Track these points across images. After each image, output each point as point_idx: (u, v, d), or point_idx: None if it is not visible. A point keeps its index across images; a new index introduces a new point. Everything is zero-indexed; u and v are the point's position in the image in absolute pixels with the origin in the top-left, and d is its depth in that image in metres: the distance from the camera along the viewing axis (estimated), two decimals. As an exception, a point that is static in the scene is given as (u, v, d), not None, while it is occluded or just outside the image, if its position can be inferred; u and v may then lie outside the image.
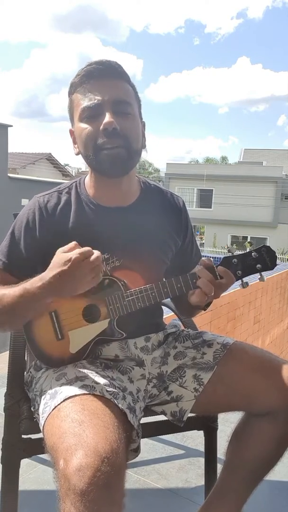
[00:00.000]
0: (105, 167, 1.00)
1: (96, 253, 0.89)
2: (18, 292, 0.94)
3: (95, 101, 0.98)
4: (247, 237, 24.19)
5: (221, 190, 23.87)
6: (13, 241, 1.05)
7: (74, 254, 0.88)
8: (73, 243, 0.91)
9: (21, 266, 1.05)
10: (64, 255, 0.89)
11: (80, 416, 0.79)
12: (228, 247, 1.06)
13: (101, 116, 0.98)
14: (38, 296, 0.92)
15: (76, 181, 1.12)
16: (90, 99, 0.98)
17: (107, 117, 0.97)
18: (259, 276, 1.00)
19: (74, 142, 1.07)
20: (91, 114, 0.98)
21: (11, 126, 12.42)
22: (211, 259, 1.00)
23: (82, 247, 1.02)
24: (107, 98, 0.98)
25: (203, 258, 1.03)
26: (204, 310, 1.11)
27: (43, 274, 0.92)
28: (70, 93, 1.04)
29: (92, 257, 0.88)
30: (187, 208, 1.22)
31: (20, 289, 0.94)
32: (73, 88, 1.02)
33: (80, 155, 1.06)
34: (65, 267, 0.87)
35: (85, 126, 1.00)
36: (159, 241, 1.12)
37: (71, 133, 1.08)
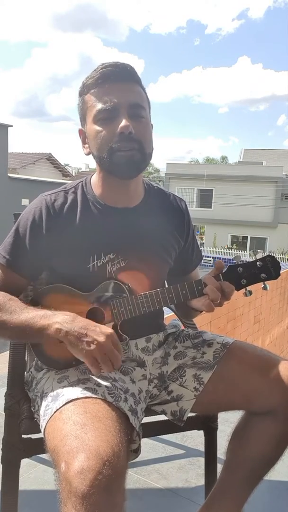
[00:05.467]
0: (120, 169, 1.00)
1: (119, 359, 0.88)
2: (38, 320, 0.92)
3: (112, 103, 0.98)
4: (247, 237, 24.20)
5: (221, 190, 23.87)
6: (18, 238, 1.05)
7: (112, 331, 0.88)
8: (120, 347, 0.90)
9: (24, 263, 1.04)
10: (102, 327, 0.89)
11: (82, 419, 0.79)
12: (232, 250, 1.07)
13: (116, 119, 0.98)
14: (51, 333, 0.90)
15: (82, 181, 1.12)
16: (106, 101, 0.98)
17: (124, 121, 0.97)
18: (263, 285, 1.02)
19: (84, 142, 1.07)
20: (107, 117, 0.98)
21: (11, 126, 12.45)
22: (222, 263, 1.01)
23: (88, 246, 1.02)
24: (123, 101, 0.98)
25: (217, 260, 1.04)
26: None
27: (73, 316, 0.91)
28: (83, 93, 1.03)
29: (114, 353, 0.87)
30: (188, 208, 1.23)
31: (44, 316, 0.93)
32: (87, 89, 1.02)
33: (91, 155, 1.05)
34: (86, 332, 0.87)
35: (99, 129, 0.99)
36: (164, 242, 1.12)
37: (81, 133, 1.08)
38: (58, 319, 0.90)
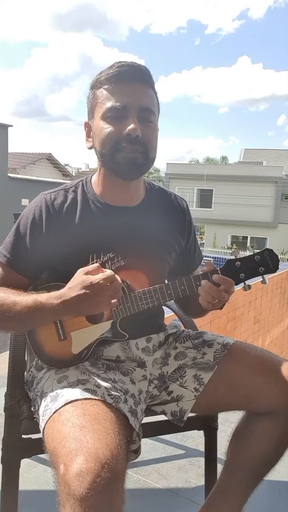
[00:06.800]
0: (122, 169, 1.01)
1: (117, 278, 0.91)
2: (32, 304, 0.93)
3: (123, 103, 0.98)
4: (247, 237, 24.19)
5: (221, 190, 23.86)
6: (18, 237, 1.05)
7: (97, 279, 0.89)
8: (96, 265, 0.92)
9: (25, 262, 1.04)
10: (87, 277, 0.90)
11: (81, 421, 0.79)
12: (232, 249, 1.07)
13: (125, 120, 0.98)
14: (53, 313, 0.92)
15: (82, 180, 1.12)
16: (118, 100, 0.98)
17: (132, 124, 0.97)
18: (261, 279, 1.01)
19: (88, 136, 1.07)
20: (116, 115, 0.98)
21: (11, 126, 12.45)
22: (213, 263, 1.00)
23: (87, 245, 1.02)
24: (135, 103, 0.98)
25: (208, 261, 1.03)
26: (220, 309, 1.06)
27: (62, 291, 0.92)
28: (95, 87, 1.03)
29: (114, 283, 0.90)
30: (188, 208, 1.22)
31: (34, 302, 0.94)
32: (100, 84, 1.01)
33: (93, 150, 1.06)
34: (88, 291, 0.88)
35: (107, 126, 0.99)
36: (164, 242, 1.12)
37: (86, 125, 1.08)
38: (56, 309, 0.92)
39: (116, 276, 0.91)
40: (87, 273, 0.91)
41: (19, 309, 0.94)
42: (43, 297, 0.94)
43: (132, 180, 1.04)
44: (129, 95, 0.98)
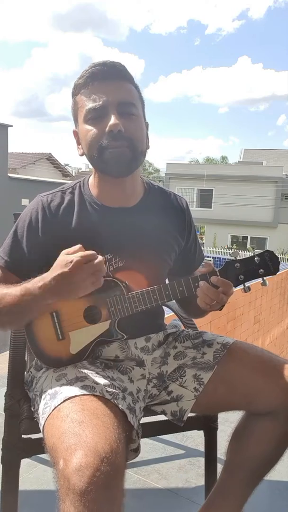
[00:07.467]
0: (110, 167, 1.00)
1: (99, 257, 0.89)
2: (19, 291, 0.94)
3: (100, 102, 0.98)
4: (247, 237, 24.19)
5: (221, 190, 23.86)
6: (16, 239, 1.05)
7: (76, 256, 0.88)
8: (78, 246, 0.91)
9: (23, 265, 1.05)
10: (66, 257, 0.89)
11: (80, 416, 0.79)
12: (231, 249, 1.05)
13: (106, 118, 0.98)
14: (38, 297, 0.92)
15: (80, 181, 1.12)
16: (95, 100, 0.98)
17: (113, 119, 0.97)
18: (261, 281, 1.00)
19: (78, 143, 1.07)
20: (96, 116, 0.98)
21: (11, 126, 12.46)
22: (212, 264, 1.00)
23: (85, 247, 1.02)
24: (112, 99, 0.98)
25: (207, 262, 1.03)
26: (220, 310, 1.05)
27: (44, 274, 0.92)
28: (74, 94, 1.04)
29: (95, 261, 0.88)
30: (187, 208, 1.21)
31: (22, 289, 0.94)
32: (77, 90, 1.02)
33: (84, 156, 1.06)
34: (66, 269, 0.87)
35: (90, 128, 1.00)
36: (163, 242, 1.12)
37: (75, 134, 1.08)
38: (37, 293, 0.91)
39: (99, 256, 0.89)
40: (67, 253, 0.90)
41: (9, 299, 0.95)
42: (29, 283, 0.94)
43: (123, 176, 1.03)
44: (105, 93, 0.98)
